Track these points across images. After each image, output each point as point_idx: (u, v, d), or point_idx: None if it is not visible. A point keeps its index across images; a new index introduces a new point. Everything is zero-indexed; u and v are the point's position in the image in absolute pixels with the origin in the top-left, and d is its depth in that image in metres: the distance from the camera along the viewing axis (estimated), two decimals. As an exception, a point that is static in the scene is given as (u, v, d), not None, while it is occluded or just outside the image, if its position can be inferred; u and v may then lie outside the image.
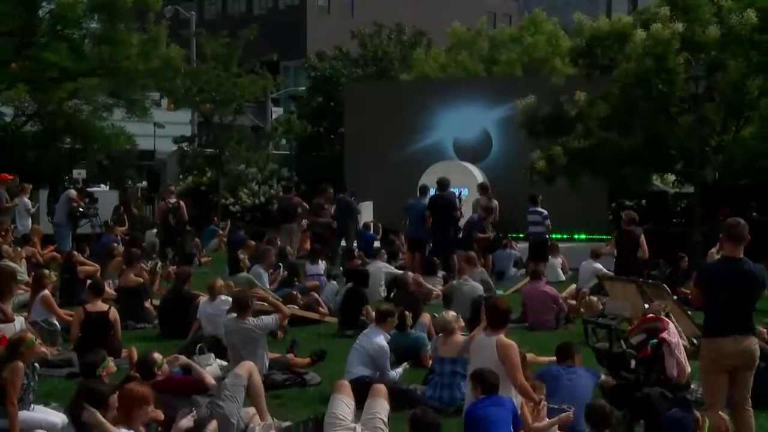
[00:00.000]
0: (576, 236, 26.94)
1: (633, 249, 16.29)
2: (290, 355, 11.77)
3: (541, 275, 15.69)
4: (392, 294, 16.13)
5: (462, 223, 20.67)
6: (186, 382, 9.36)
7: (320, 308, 15.31)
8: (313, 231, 21.22)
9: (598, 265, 17.54)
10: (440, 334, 10.40)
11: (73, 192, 22.69)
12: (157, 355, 9.24)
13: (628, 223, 16.71)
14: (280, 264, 17.80)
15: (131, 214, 24.63)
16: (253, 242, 20.14)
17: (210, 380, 9.32)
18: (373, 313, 13.57)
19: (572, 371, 9.30)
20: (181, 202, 21.52)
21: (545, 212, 20.22)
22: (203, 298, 13.21)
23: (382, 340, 10.39)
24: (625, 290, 12.59)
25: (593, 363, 10.76)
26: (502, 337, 8.76)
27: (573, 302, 16.08)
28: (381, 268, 17.79)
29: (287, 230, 23.33)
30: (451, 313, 10.52)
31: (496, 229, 20.99)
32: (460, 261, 17.00)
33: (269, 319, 11.00)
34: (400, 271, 17.34)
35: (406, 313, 11.95)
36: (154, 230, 23.35)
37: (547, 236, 20.58)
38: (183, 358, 9.92)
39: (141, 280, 15.62)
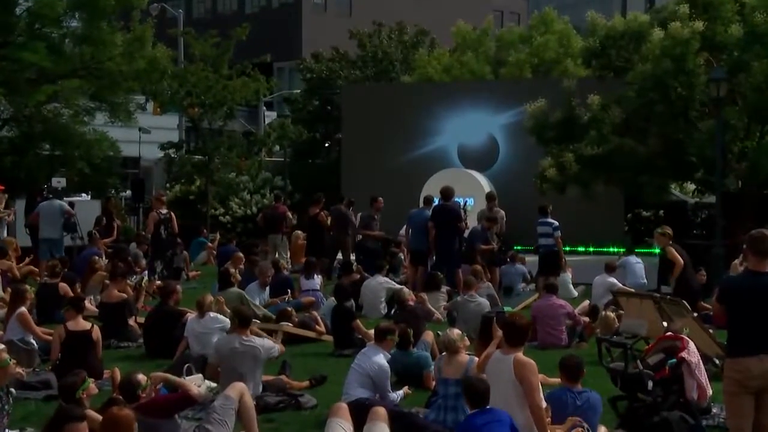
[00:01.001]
0: (589, 249, 26.92)
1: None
2: (284, 377, 11.72)
3: (555, 289, 15.66)
4: (393, 311, 16.12)
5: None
6: (171, 399, 9.32)
7: (317, 326, 15.27)
8: (365, 246, 20.49)
9: (613, 279, 17.51)
10: (444, 354, 10.37)
11: (66, 205, 22.65)
12: (141, 377, 9.20)
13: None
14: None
15: (112, 225, 24.57)
16: (241, 254, 20.15)
17: (196, 391, 9.27)
18: (364, 329, 13.61)
19: (583, 397, 9.18)
20: (172, 213, 21.51)
21: (556, 223, 20.17)
22: (191, 315, 13.18)
23: (381, 359, 10.36)
24: (642, 307, 12.55)
25: (606, 383, 10.73)
26: (519, 355, 8.76)
27: (587, 319, 16.05)
28: (381, 283, 17.77)
29: (272, 241, 23.36)
30: (456, 331, 10.48)
31: (502, 241, 20.95)
32: (465, 275, 16.98)
33: (271, 343, 10.99)
34: (401, 286, 17.32)
35: (409, 330, 11.93)
36: (135, 243, 23.26)
37: (557, 249, 20.52)
38: (161, 375, 9.87)
39: (125, 295, 15.59)
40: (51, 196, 22.96)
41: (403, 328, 11.76)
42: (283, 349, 11.98)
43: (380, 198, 21.62)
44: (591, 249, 26.81)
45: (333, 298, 16.75)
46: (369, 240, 20.52)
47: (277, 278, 17.75)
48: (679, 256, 15.60)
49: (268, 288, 17.34)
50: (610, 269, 17.94)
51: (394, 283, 18.46)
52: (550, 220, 20.20)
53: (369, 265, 19.26)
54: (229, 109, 33.33)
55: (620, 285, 17.20)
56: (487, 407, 8.23)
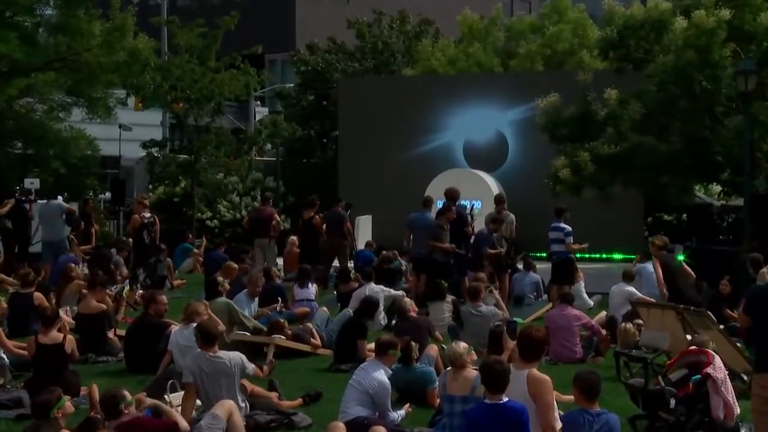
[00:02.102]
0: (606, 256, 26.94)
1: None
2: (274, 394, 11.67)
3: (571, 299, 15.65)
4: (393, 322, 16.11)
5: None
6: (155, 425, 9.31)
7: (312, 339, 15.26)
8: (436, 260, 19.74)
9: (631, 289, 17.49)
10: (449, 369, 10.36)
11: (64, 204, 22.62)
12: (125, 392, 9.19)
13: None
14: None
15: (90, 230, 24.56)
16: (234, 264, 20.08)
17: (184, 424, 9.27)
18: (367, 351, 13.53)
19: (601, 419, 8.87)
20: (156, 217, 21.50)
21: (568, 228, 20.10)
22: (175, 327, 13.16)
23: (382, 375, 10.35)
24: (663, 318, 12.57)
25: (625, 401, 10.72)
26: (534, 371, 8.76)
27: (603, 332, 16.03)
28: (377, 292, 17.73)
29: (260, 245, 23.35)
30: (462, 344, 10.45)
31: (512, 247, 20.88)
32: (471, 284, 16.95)
33: (241, 357, 10.85)
34: (400, 292, 17.32)
35: (412, 344, 11.91)
36: (115, 249, 23.24)
37: (571, 256, 20.46)
38: (149, 400, 9.87)
39: (104, 306, 15.57)
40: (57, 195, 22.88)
41: (407, 341, 11.75)
42: (272, 365, 11.92)
43: (453, 208, 20.70)
44: (608, 255, 26.82)
45: (324, 309, 16.75)
46: (438, 253, 19.60)
47: (269, 287, 17.71)
48: (660, 270, 16.30)
49: (257, 298, 17.30)
50: (628, 277, 17.92)
51: (392, 290, 18.44)
52: (562, 224, 20.13)
53: (443, 278, 18.64)
54: (216, 105, 33.25)
55: (639, 294, 17.19)
56: (501, 401, 8.28)
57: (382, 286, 18.33)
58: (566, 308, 15.24)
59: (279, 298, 17.50)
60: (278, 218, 24.30)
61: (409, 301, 15.30)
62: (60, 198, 24.23)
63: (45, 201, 22.50)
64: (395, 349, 10.77)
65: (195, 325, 12.47)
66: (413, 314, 14.86)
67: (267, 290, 17.57)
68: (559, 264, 20.07)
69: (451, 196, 19.91)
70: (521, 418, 8.30)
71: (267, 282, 17.75)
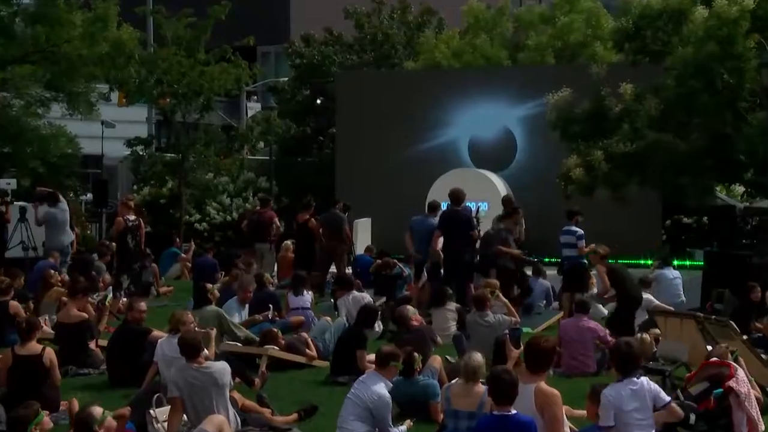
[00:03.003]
0: (621, 261, 26.89)
1: None
2: (266, 410, 11.64)
3: (587, 308, 15.61)
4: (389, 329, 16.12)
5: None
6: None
7: (308, 349, 15.23)
8: (503, 266, 19.47)
9: (649, 296, 17.47)
10: (455, 381, 10.32)
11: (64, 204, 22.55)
12: (97, 410, 9.15)
13: None
14: None
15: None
16: (229, 275, 19.95)
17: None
18: (366, 362, 13.49)
19: None
20: (141, 220, 21.47)
21: (580, 231, 20.03)
22: (162, 336, 13.14)
23: (382, 388, 10.33)
24: (682, 328, 12.57)
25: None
26: (542, 384, 8.73)
27: (617, 342, 16.01)
28: (364, 297, 17.74)
29: (260, 251, 23.35)
30: (479, 357, 10.38)
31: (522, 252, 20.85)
32: (477, 291, 16.93)
33: (226, 368, 10.82)
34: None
35: (415, 355, 11.88)
36: (97, 254, 23.20)
37: (584, 261, 20.40)
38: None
39: (86, 315, 15.52)
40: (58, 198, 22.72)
41: (409, 352, 11.71)
42: (265, 377, 11.90)
43: (520, 210, 20.56)
44: (623, 261, 26.77)
45: (327, 319, 16.70)
46: (506, 259, 19.32)
47: (261, 295, 17.65)
48: (606, 279, 16.59)
49: (247, 305, 17.26)
50: (645, 284, 17.91)
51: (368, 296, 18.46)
52: (573, 228, 20.04)
53: (508, 287, 18.53)
54: (206, 100, 33.25)
55: (657, 302, 17.17)
56: (509, 413, 8.28)
57: (364, 293, 18.35)
58: (582, 319, 15.17)
59: (270, 305, 17.44)
60: (278, 222, 24.31)
61: (412, 310, 15.24)
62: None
63: (53, 206, 22.21)
64: (397, 360, 10.73)
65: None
66: (415, 323, 14.82)
67: (259, 298, 17.51)
68: (571, 270, 19.96)
69: (456, 197, 19.85)
70: (530, 431, 8.30)
71: (259, 289, 17.70)
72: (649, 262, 24.99)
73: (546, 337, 9.61)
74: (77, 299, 15.66)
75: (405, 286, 21.56)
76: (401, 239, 21.42)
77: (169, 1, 35.41)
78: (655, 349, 13.38)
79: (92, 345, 15.19)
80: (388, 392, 10.40)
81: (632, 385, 8.94)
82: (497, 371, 8.71)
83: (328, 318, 16.92)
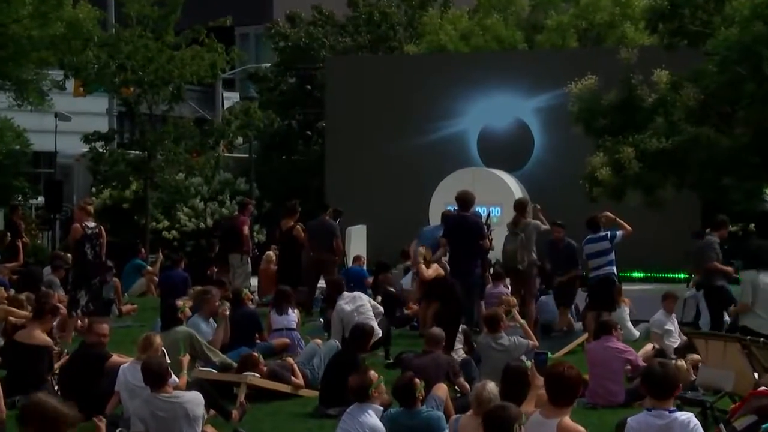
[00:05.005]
0: (655, 275, 26.92)
1: None
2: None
3: (613, 328, 15.59)
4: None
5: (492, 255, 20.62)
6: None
7: (293, 377, 15.21)
8: (719, 286, 19.03)
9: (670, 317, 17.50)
10: (467, 415, 10.32)
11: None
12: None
13: None
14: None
15: (17, 244, 24.52)
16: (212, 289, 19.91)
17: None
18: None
19: None
20: (102, 227, 21.44)
21: (611, 232, 19.92)
22: (124, 362, 13.11)
23: (372, 419, 10.35)
24: (725, 352, 12.53)
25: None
26: (566, 420, 8.68)
27: (650, 367, 15.98)
28: (349, 306, 17.72)
29: (232, 262, 23.34)
30: (491, 385, 10.38)
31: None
32: (490, 310, 16.92)
33: (199, 398, 10.80)
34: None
35: (417, 381, 11.84)
36: (50, 267, 23.20)
37: (613, 275, 20.35)
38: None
39: (50, 341, 15.44)
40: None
41: (409, 378, 11.66)
42: (244, 408, 11.87)
43: (728, 224, 20.36)
44: (656, 275, 26.78)
45: (318, 342, 16.66)
46: (719, 276, 19.04)
47: (239, 314, 17.63)
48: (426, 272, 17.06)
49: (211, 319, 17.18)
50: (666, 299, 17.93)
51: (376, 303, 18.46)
52: (602, 232, 19.95)
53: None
54: (175, 89, 33.24)
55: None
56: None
57: (358, 293, 18.32)
58: (609, 340, 15.16)
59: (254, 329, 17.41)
60: (247, 230, 24.15)
61: (438, 331, 14.95)
62: None
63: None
64: (371, 384, 10.74)
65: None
66: (435, 349, 14.55)
67: (237, 318, 17.48)
68: (600, 284, 19.83)
69: (464, 201, 19.85)
70: None
71: (237, 307, 17.67)
72: (686, 276, 25.00)
73: (570, 365, 9.52)
74: (45, 321, 15.51)
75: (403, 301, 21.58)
76: (400, 249, 21.45)
77: (133, -26, 35.39)
78: (694, 376, 13.37)
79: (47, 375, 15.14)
80: (387, 426, 10.38)
81: (662, 418, 8.83)
82: (492, 409, 8.65)
83: (318, 340, 16.87)
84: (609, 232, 19.71)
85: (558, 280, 21.14)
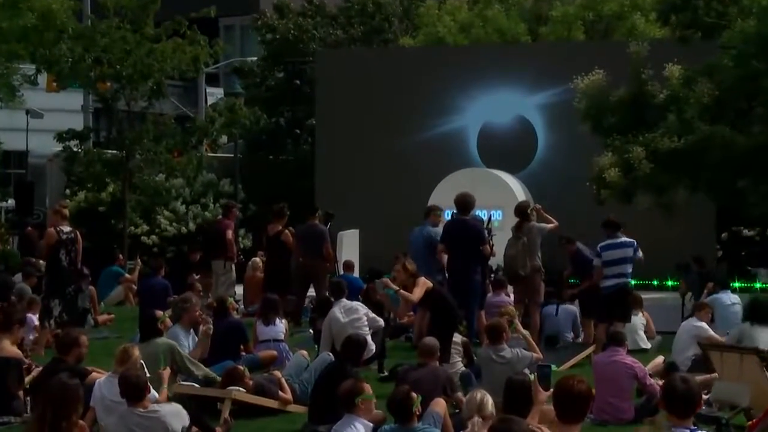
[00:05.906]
0: (664, 283, 26.94)
1: None
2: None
3: (622, 340, 15.59)
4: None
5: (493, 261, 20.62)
6: None
7: (281, 391, 15.21)
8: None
9: (702, 325, 17.45)
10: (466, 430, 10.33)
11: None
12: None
13: None
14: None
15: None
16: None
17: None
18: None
19: None
20: (77, 232, 21.41)
21: (635, 242, 19.75)
22: (100, 377, 13.10)
23: None
24: (742, 365, 12.54)
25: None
26: (575, 438, 8.69)
27: (660, 383, 15.95)
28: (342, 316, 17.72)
29: (214, 269, 23.32)
30: (485, 397, 10.37)
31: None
32: (491, 321, 16.91)
33: (180, 410, 10.80)
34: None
35: (413, 395, 11.83)
36: (21, 274, 23.19)
37: (629, 284, 20.24)
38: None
39: (20, 353, 15.44)
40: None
41: (406, 392, 11.64)
42: (228, 425, 11.86)
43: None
44: (667, 282, 26.79)
45: (303, 353, 16.66)
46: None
47: (223, 324, 17.61)
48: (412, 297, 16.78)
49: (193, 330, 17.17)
50: (698, 309, 17.89)
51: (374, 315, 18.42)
52: (624, 238, 19.72)
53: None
54: (155, 85, 33.24)
55: (712, 333, 17.16)
56: None
57: (356, 303, 18.27)
58: (617, 353, 15.16)
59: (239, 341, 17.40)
60: (231, 235, 24.10)
61: (432, 341, 14.97)
62: None
63: None
64: (360, 393, 10.75)
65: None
66: (430, 360, 14.56)
67: (221, 329, 17.45)
68: (616, 293, 19.59)
69: (464, 204, 19.85)
70: None
71: (221, 317, 17.65)
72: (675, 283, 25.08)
73: (580, 378, 9.46)
74: (14, 332, 15.51)
75: (390, 313, 21.54)
76: (387, 254, 21.44)
77: (110, -38, 35.38)
78: (708, 391, 13.37)
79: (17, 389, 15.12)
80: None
81: None
82: (496, 422, 8.63)
83: (304, 352, 16.86)
84: (632, 239, 19.48)
85: (570, 293, 21.18)
